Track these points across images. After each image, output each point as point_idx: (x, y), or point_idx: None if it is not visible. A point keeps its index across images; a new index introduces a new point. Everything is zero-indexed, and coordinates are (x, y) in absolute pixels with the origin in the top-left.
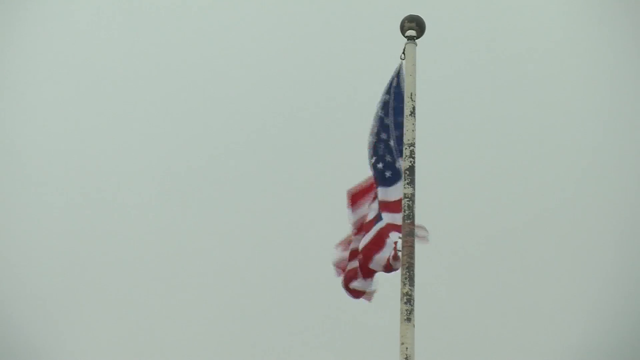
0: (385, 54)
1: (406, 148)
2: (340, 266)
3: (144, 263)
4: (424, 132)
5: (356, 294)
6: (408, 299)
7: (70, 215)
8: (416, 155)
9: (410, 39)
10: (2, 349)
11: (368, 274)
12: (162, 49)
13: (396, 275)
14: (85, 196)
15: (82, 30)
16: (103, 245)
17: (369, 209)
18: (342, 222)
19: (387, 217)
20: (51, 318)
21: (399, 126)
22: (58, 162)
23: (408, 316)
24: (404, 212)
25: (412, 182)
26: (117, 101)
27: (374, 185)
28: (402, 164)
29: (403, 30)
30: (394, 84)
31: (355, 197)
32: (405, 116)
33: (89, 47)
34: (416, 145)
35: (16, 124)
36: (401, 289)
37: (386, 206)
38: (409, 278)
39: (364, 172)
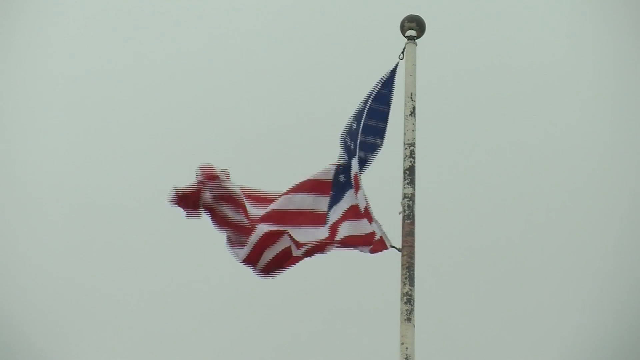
0: (385, 54)
1: (406, 148)
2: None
3: (149, 270)
4: (423, 132)
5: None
6: (408, 299)
7: (74, 222)
8: (416, 155)
9: (411, 39)
10: (8, 356)
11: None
12: (160, 54)
13: (396, 275)
14: (89, 203)
15: (79, 37)
16: (108, 253)
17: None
18: None
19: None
20: (57, 326)
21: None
22: (63, 166)
23: (408, 316)
24: (404, 212)
25: (412, 182)
26: (118, 108)
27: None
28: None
29: (403, 30)
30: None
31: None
32: (405, 116)
33: (87, 52)
34: (416, 145)
35: (15, 131)
36: (401, 289)
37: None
38: (409, 278)
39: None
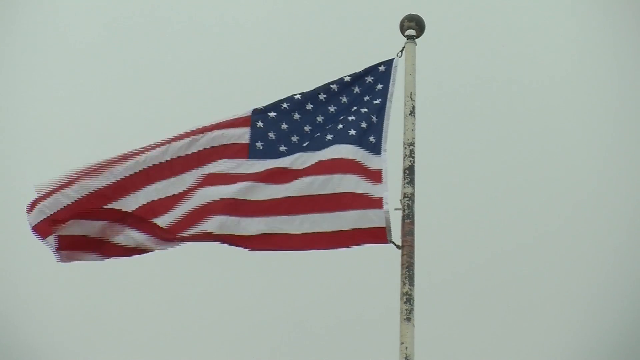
0: (384, 54)
1: (406, 147)
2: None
3: (153, 272)
4: (423, 131)
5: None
6: (408, 298)
7: None
8: (416, 155)
9: (410, 38)
10: None
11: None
12: (164, 63)
13: (396, 275)
14: None
15: (82, 46)
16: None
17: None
18: None
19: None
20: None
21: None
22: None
23: (408, 316)
24: (404, 211)
25: (411, 182)
26: (122, 121)
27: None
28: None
29: (403, 29)
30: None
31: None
32: (405, 115)
33: (89, 60)
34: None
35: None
36: (401, 288)
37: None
38: (409, 277)
39: None
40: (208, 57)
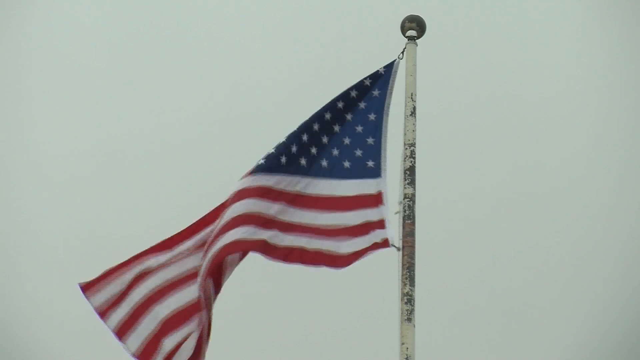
0: (385, 55)
1: (406, 148)
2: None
3: None
4: (423, 132)
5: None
6: (408, 299)
7: (77, 250)
8: (416, 156)
9: (411, 39)
10: None
11: None
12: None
13: (397, 275)
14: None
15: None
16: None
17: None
18: None
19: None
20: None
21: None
22: (66, 190)
23: (408, 316)
24: (404, 212)
25: (412, 182)
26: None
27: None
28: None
29: (403, 30)
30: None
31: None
32: (405, 116)
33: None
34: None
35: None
36: (401, 289)
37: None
38: (409, 278)
39: None
40: (214, 70)
